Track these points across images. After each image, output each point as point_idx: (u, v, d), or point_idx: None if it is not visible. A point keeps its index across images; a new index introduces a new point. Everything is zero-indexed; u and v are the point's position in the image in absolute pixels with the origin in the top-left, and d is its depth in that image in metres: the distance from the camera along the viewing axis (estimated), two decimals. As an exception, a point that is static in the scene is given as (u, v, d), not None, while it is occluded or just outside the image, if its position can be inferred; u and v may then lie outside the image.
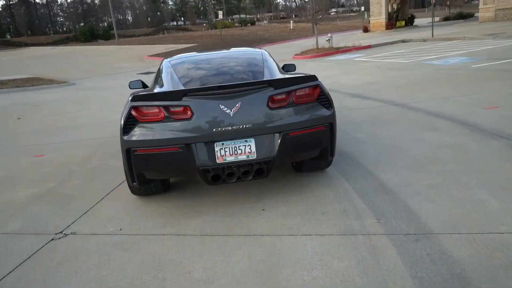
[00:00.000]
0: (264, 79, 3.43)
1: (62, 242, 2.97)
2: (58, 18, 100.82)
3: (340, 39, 23.69)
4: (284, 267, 2.42)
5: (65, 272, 2.58)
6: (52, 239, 3.03)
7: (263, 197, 3.44)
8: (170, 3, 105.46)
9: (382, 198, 3.20)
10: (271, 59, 4.18)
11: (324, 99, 3.22)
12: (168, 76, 3.64)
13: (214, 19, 25.96)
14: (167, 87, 3.45)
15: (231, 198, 3.49)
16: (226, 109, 2.96)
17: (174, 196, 3.64)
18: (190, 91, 2.99)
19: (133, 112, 3.00)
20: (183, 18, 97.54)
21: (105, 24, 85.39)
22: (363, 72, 11.26)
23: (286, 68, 5.28)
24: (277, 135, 3.05)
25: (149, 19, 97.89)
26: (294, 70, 5.35)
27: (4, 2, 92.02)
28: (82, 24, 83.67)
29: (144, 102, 3.00)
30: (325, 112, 3.21)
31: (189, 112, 2.96)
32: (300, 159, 3.46)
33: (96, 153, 5.44)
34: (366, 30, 30.37)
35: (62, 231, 3.15)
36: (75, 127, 7.55)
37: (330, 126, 3.24)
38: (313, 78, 3.19)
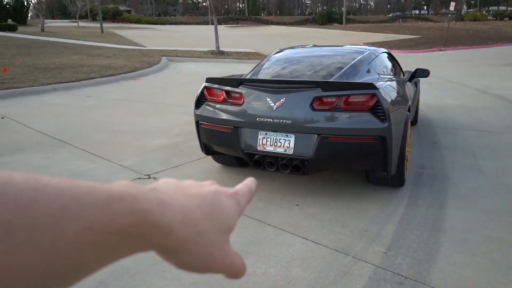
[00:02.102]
0: (331, 80, 3.38)
1: (141, 181, 3.84)
2: (305, 1, 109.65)
3: None
4: (254, 255, 2.57)
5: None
6: (139, 178, 3.94)
7: (309, 194, 3.49)
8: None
9: (419, 233, 2.81)
10: (377, 61, 3.97)
11: (380, 110, 2.98)
12: (258, 66, 4.01)
13: (450, 10, 23.44)
14: (248, 74, 3.84)
15: (278, 184, 3.66)
16: (271, 102, 3.15)
17: (244, 171, 4.05)
18: (245, 81, 3.30)
19: (205, 92, 3.54)
20: (427, 7, 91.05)
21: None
22: None
23: (419, 73, 4.81)
24: (316, 136, 3.05)
25: (389, 6, 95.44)
26: (427, 76, 4.81)
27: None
28: (325, 7, 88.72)
29: (212, 84, 3.49)
30: (377, 124, 2.98)
31: (241, 99, 3.29)
32: (345, 167, 3.30)
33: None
34: None
35: (150, 175, 4.03)
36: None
37: (381, 140, 2.99)
38: (371, 86, 2.98)
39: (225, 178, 3.91)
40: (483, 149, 4.72)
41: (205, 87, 3.55)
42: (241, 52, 19.14)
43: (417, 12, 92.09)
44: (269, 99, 3.16)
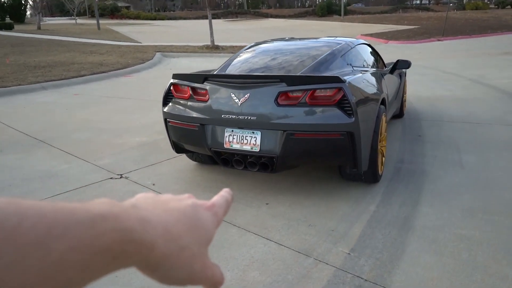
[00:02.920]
0: (298, 74, 3.27)
1: (112, 181, 3.76)
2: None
3: None
4: (213, 258, 2.48)
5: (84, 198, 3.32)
6: (111, 178, 3.85)
7: (281, 192, 3.39)
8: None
9: (387, 232, 2.72)
10: (352, 53, 3.85)
11: (346, 104, 2.86)
12: (228, 61, 3.89)
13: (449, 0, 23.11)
14: (217, 69, 3.73)
15: (250, 182, 3.56)
16: (235, 98, 3.05)
17: (217, 169, 3.95)
18: (210, 76, 3.19)
19: (172, 88, 3.43)
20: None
21: (345, 0, 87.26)
22: None
23: (400, 64, 4.68)
24: (282, 133, 2.95)
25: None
26: (408, 67, 4.68)
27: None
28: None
29: (179, 81, 3.38)
30: (344, 119, 2.87)
31: (207, 96, 3.19)
32: (314, 164, 3.20)
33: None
34: None
35: (122, 174, 3.95)
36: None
37: (349, 135, 2.89)
38: (336, 79, 2.86)
39: (196, 176, 3.82)
40: (468, 142, 4.60)
41: (171, 83, 3.44)
42: (236, 46, 18.97)
43: (418, 2, 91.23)
44: (233, 95, 3.06)
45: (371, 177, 3.34)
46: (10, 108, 7.17)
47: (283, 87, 2.94)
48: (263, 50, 4.02)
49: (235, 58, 3.94)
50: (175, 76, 3.42)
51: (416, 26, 26.71)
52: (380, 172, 3.48)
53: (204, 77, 3.21)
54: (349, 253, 2.49)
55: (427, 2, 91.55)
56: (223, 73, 3.56)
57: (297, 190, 3.44)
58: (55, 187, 3.61)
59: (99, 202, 0.32)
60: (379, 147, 3.37)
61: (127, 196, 3.37)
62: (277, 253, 2.51)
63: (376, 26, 28.75)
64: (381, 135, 3.46)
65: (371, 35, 24.01)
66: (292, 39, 4.56)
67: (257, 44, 4.41)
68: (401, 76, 5.43)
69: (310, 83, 2.90)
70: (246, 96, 3.01)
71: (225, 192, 0.46)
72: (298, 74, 3.28)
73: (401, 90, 5.37)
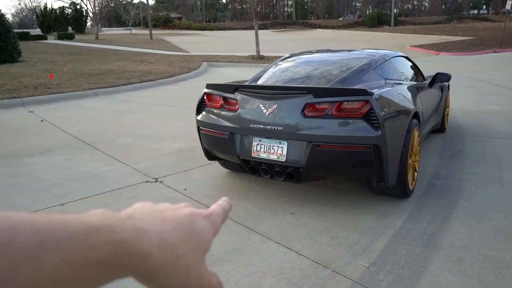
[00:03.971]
0: (327, 86, 3.28)
1: (147, 185, 3.94)
2: (355, 3, 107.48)
3: None
4: (233, 263, 2.55)
5: (124, 203, 3.51)
6: (147, 181, 4.05)
7: (307, 202, 3.40)
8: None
9: (411, 248, 2.65)
10: (386, 65, 3.81)
11: (373, 117, 2.85)
12: (262, 70, 3.99)
13: (507, 9, 21.95)
14: (249, 80, 3.83)
15: (277, 191, 3.60)
16: (264, 108, 3.12)
17: (247, 177, 4.03)
18: (240, 87, 3.29)
19: (205, 98, 3.57)
20: (486, 7, 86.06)
21: (396, 10, 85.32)
22: None
23: (440, 77, 4.55)
24: (308, 144, 2.98)
25: (444, 6, 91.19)
26: (448, 80, 4.54)
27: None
28: (376, 9, 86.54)
29: (212, 90, 3.51)
30: (371, 132, 2.85)
31: (236, 106, 3.29)
32: (339, 176, 3.18)
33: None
34: None
35: (158, 178, 4.13)
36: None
37: (375, 148, 2.86)
38: (363, 92, 2.85)
39: (227, 183, 3.92)
40: (512, 159, 4.37)
41: (205, 93, 3.59)
42: (280, 56, 19.11)
43: (475, 12, 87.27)
44: (262, 106, 3.14)
45: (400, 191, 3.27)
46: (64, 112, 7.70)
47: (310, 98, 2.98)
48: (296, 62, 4.07)
49: (268, 69, 4.03)
50: (208, 86, 3.56)
51: (471, 37, 25.57)
52: (410, 187, 3.40)
53: (234, 87, 3.32)
54: (368, 267, 2.46)
55: (486, 12, 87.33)
56: (254, 84, 3.66)
57: (324, 201, 3.45)
58: (94, 188, 3.85)
59: (94, 213, 0.32)
60: (410, 161, 3.30)
61: (159, 199, 3.54)
62: (296, 262, 2.54)
63: (427, 37, 27.85)
64: (412, 149, 3.39)
65: (421, 46, 23.29)
66: (328, 50, 4.58)
67: (291, 55, 4.48)
68: (443, 90, 5.27)
69: (337, 95, 2.91)
70: (273, 106, 3.08)
71: (223, 201, 0.46)
72: (327, 86, 3.30)
73: (442, 104, 5.20)
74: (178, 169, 4.36)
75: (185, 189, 3.79)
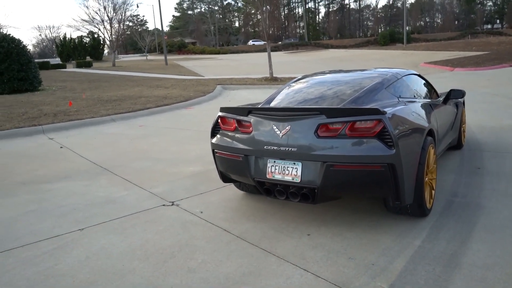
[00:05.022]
0: (340, 106, 3.31)
1: (164, 208, 3.98)
2: (367, 22, 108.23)
3: None
4: (249, 286, 2.54)
5: (141, 227, 3.54)
6: (163, 205, 4.08)
7: (324, 223, 3.38)
8: (489, 3, 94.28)
9: (431, 269, 2.60)
10: (398, 84, 3.82)
11: (387, 136, 2.84)
12: (275, 92, 4.04)
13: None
14: (263, 102, 3.88)
15: (294, 212, 3.58)
16: (277, 130, 3.15)
17: (263, 199, 4.03)
18: (253, 110, 3.33)
19: (219, 121, 3.63)
20: (500, 21, 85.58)
21: (408, 28, 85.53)
22: None
23: (454, 94, 4.53)
24: (322, 164, 2.98)
25: (457, 22, 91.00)
26: (462, 97, 4.51)
27: (326, 10, 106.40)
28: (388, 28, 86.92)
29: (225, 114, 3.57)
30: (385, 151, 2.84)
31: (250, 128, 3.33)
32: (354, 196, 3.16)
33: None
34: None
35: (174, 202, 4.16)
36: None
37: (390, 167, 2.85)
38: (376, 111, 2.86)
39: (243, 205, 3.93)
40: (533, 175, 4.27)
41: (219, 116, 3.65)
42: (294, 77, 19.27)
43: (489, 26, 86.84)
44: (275, 127, 3.17)
45: (417, 210, 3.23)
46: (82, 138, 7.88)
47: (322, 119, 3.00)
48: (309, 83, 4.12)
49: (281, 91, 4.09)
50: (222, 109, 3.62)
51: (486, 52, 25.38)
52: (428, 205, 3.35)
53: (248, 110, 3.37)
54: (387, 289, 2.42)
55: (500, 26, 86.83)
56: (267, 106, 3.70)
57: (341, 221, 3.42)
58: (112, 212, 3.90)
59: None
60: (426, 179, 3.27)
61: (176, 223, 3.56)
62: (313, 284, 2.51)
63: (441, 53, 27.76)
64: (428, 167, 3.36)
65: (435, 62, 23.20)
66: (340, 71, 4.62)
67: (304, 76, 4.53)
68: (458, 106, 5.23)
69: (350, 115, 2.93)
70: (287, 128, 3.11)
71: None
72: (339, 106, 3.33)
73: (458, 120, 5.15)
74: (194, 192, 4.39)
75: (201, 212, 3.81)
